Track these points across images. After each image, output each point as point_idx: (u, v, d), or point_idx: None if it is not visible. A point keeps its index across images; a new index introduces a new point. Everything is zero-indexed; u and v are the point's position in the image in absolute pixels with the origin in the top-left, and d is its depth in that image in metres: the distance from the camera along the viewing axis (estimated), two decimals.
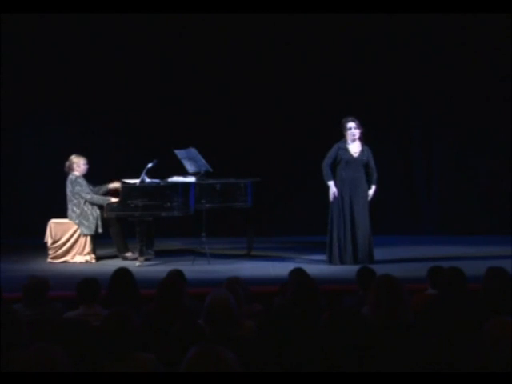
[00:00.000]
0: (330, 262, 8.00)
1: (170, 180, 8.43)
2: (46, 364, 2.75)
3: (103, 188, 8.55)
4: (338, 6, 9.11)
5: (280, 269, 7.41)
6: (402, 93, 10.45)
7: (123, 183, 8.28)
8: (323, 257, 8.16)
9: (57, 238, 8.39)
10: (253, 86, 10.22)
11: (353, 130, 8.01)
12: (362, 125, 8.06)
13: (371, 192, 8.09)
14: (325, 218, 9.31)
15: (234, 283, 4.73)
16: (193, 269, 7.41)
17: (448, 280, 4.53)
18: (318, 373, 2.86)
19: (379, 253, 8.31)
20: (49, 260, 8.34)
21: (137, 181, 8.17)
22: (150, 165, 8.15)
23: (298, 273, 5.26)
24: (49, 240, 8.37)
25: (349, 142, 8.05)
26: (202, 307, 3.70)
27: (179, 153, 8.60)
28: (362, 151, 8.05)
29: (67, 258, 8.35)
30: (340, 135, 8.13)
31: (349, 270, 7.17)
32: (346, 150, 8.06)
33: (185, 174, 8.58)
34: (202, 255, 8.20)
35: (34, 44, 10.14)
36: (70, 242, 8.38)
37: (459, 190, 10.51)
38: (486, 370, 2.90)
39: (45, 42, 10.15)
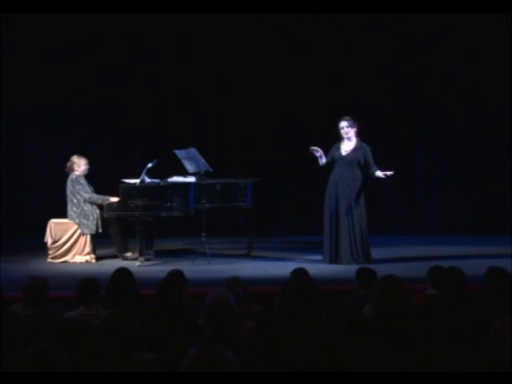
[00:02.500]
0: (325, 261, 8.04)
1: (169, 180, 8.43)
2: (46, 364, 2.75)
3: (104, 198, 8.46)
4: (338, 6, 9.10)
5: (280, 269, 7.42)
6: (402, 93, 10.45)
7: (123, 183, 8.27)
8: (322, 256, 8.19)
9: (57, 238, 8.39)
10: (253, 86, 10.23)
11: (345, 128, 8.04)
12: (356, 123, 8.04)
13: (381, 173, 7.92)
14: None
15: (234, 283, 4.73)
16: (193, 269, 7.41)
17: (448, 280, 4.53)
18: (318, 373, 2.86)
19: (379, 253, 8.31)
20: (49, 260, 8.34)
21: (137, 181, 8.17)
22: (149, 165, 8.15)
23: (298, 272, 5.26)
24: (49, 240, 8.37)
25: (344, 140, 8.08)
26: (202, 307, 3.70)
27: (179, 153, 8.60)
28: (355, 149, 8.03)
29: (67, 258, 8.35)
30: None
31: (349, 269, 7.16)
32: (338, 148, 8.10)
33: (185, 174, 8.59)
34: (202, 255, 8.20)
35: (34, 44, 10.13)
36: (70, 242, 8.39)
37: (459, 190, 10.51)
38: (488, 370, 2.90)
39: (45, 43, 10.15)
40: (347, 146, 8.07)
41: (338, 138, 8.15)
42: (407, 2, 8.99)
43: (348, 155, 8.03)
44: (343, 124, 8.05)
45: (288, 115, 10.28)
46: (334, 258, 7.99)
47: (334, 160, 8.08)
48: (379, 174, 7.95)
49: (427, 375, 2.95)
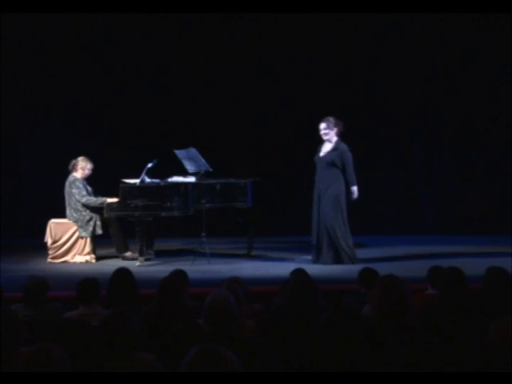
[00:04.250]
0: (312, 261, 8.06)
1: (170, 180, 8.43)
2: (46, 364, 2.75)
3: (100, 200, 8.39)
4: (340, 6, 9.08)
5: (280, 269, 7.43)
6: (402, 93, 10.44)
7: (123, 183, 8.27)
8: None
9: (57, 237, 8.39)
10: (253, 86, 10.22)
11: (323, 130, 8.06)
12: (337, 124, 8.01)
13: (355, 193, 7.97)
14: None
15: (234, 283, 4.73)
16: (193, 269, 7.39)
17: (448, 280, 4.53)
18: (318, 373, 2.86)
19: (380, 253, 8.32)
20: (49, 260, 8.33)
21: (137, 181, 8.17)
22: (149, 165, 8.15)
23: (298, 273, 5.26)
24: (49, 240, 8.37)
25: (326, 141, 8.10)
26: (202, 307, 3.70)
27: (179, 153, 8.59)
28: (332, 151, 8.02)
29: (67, 258, 8.35)
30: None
31: (349, 270, 7.18)
32: (319, 149, 8.14)
33: (185, 174, 8.58)
34: (202, 255, 8.20)
35: (34, 44, 10.13)
36: (69, 241, 8.38)
37: (459, 190, 10.51)
38: (488, 370, 2.90)
39: (45, 42, 10.14)
40: (326, 147, 8.09)
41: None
42: (408, 2, 8.98)
43: (324, 157, 8.05)
44: (321, 126, 8.07)
45: (288, 115, 10.27)
46: (316, 258, 8.01)
47: (315, 162, 8.12)
48: (354, 191, 7.94)
49: (427, 375, 2.95)
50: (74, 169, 8.51)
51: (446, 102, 10.42)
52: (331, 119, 8.06)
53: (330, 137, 8.05)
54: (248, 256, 8.65)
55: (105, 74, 10.17)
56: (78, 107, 10.27)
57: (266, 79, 10.24)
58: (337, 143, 8.05)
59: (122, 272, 5.25)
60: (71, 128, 10.36)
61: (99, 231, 8.39)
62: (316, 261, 7.98)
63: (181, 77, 10.23)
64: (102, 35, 10.08)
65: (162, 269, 7.27)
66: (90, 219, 8.37)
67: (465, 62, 10.25)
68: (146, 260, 8.13)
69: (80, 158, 8.52)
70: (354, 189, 7.98)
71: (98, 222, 8.38)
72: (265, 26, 10.02)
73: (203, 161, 8.51)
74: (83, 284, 4.86)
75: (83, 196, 8.40)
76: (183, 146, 8.58)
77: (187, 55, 10.25)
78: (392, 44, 10.29)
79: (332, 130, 8.04)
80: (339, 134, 8.08)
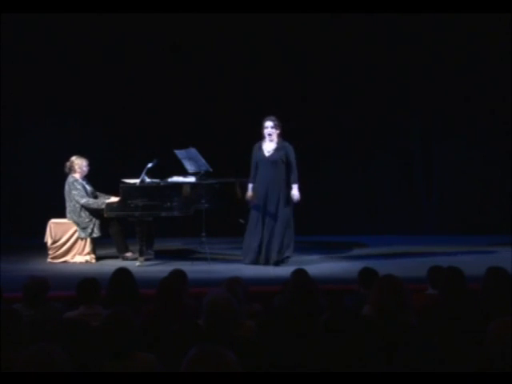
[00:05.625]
0: (246, 261, 7.91)
1: (169, 180, 8.43)
2: (46, 364, 2.76)
3: (103, 199, 8.41)
4: (343, 7, 9.08)
5: (280, 269, 7.44)
6: (401, 93, 10.44)
7: (123, 183, 8.27)
8: (322, 256, 8.20)
9: (57, 237, 8.38)
10: (252, 85, 10.22)
11: (269, 129, 7.96)
12: (280, 125, 7.95)
13: (293, 192, 7.82)
14: (324, 217, 9.32)
15: (234, 283, 4.73)
16: (193, 269, 7.40)
17: (448, 280, 4.54)
18: (317, 373, 2.86)
19: (380, 253, 8.31)
20: (49, 260, 8.33)
21: (137, 181, 8.17)
22: (149, 165, 8.15)
23: (299, 273, 5.26)
24: (49, 240, 8.36)
25: (265, 140, 8.00)
26: (202, 307, 3.70)
27: (179, 153, 8.59)
28: (277, 150, 7.95)
29: (67, 258, 8.34)
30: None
31: (349, 269, 7.18)
32: (260, 148, 8.02)
33: (185, 174, 8.58)
34: (202, 255, 8.19)
35: (34, 44, 10.13)
36: (69, 242, 8.38)
37: (459, 190, 10.50)
38: (487, 370, 2.90)
39: (45, 43, 10.14)
40: (269, 146, 7.99)
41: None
42: (408, 2, 8.97)
43: (271, 156, 7.96)
44: (268, 124, 7.96)
45: (288, 115, 10.25)
46: (263, 259, 7.85)
47: (258, 162, 8.00)
48: (294, 193, 7.80)
49: (427, 375, 2.96)
50: (72, 170, 8.47)
51: (446, 102, 10.41)
52: (275, 119, 7.99)
53: (274, 136, 7.97)
54: None
55: (105, 74, 10.16)
56: (78, 107, 10.26)
57: (266, 79, 10.24)
58: (280, 141, 7.96)
59: (122, 272, 5.25)
60: (71, 128, 10.36)
61: (98, 234, 8.36)
62: (261, 262, 7.82)
63: (181, 77, 10.23)
64: (101, 35, 10.07)
65: (161, 269, 7.26)
66: (89, 221, 8.37)
67: (464, 62, 10.24)
68: (146, 260, 8.12)
69: (73, 158, 8.47)
70: (296, 187, 7.82)
71: (97, 225, 8.36)
72: (264, 25, 10.02)
73: (203, 161, 8.50)
74: (83, 284, 4.86)
75: (82, 197, 8.39)
76: (183, 146, 8.58)
77: (187, 55, 10.25)
78: (391, 44, 10.29)
79: (277, 130, 7.98)
80: (281, 135, 8.00)
